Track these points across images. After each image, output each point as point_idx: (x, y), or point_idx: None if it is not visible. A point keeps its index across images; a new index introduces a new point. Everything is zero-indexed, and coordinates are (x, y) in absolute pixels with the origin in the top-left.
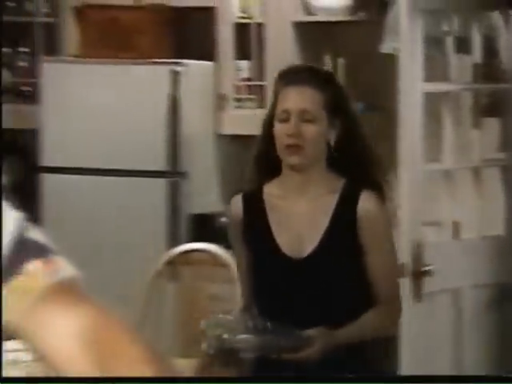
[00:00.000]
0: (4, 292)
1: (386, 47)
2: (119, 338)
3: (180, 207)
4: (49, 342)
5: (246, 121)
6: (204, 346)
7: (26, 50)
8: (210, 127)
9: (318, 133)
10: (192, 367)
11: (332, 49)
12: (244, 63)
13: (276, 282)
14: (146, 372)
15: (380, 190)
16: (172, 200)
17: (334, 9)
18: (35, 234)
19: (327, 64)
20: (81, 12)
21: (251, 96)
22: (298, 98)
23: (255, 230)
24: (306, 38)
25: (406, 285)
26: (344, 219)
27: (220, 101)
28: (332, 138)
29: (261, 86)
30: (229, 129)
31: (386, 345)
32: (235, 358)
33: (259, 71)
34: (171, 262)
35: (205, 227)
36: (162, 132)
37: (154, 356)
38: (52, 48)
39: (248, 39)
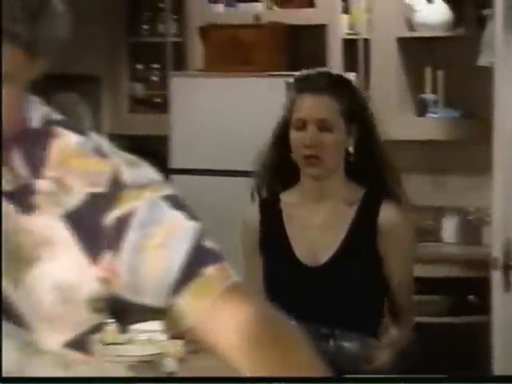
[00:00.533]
0: (184, 294)
1: (482, 61)
2: (274, 330)
3: None
4: (220, 336)
5: None
6: None
7: (158, 66)
8: None
9: (336, 142)
10: None
11: (432, 62)
12: (351, 75)
13: (292, 290)
14: (296, 360)
15: (401, 200)
16: None
17: (434, 25)
18: (210, 243)
19: (427, 76)
20: (205, 31)
21: None
22: (316, 107)
23: (272, 238)
24: (409, 51)
25: (497, 276)
26: (363, 229)
27: None
28: (350, 145)
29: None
30: None
31: (479, 331)
32: None
33: (365, 82)
34: None
35: None
36: None
37: (303, 345)
38: (180, 64)
39: (355, 53)
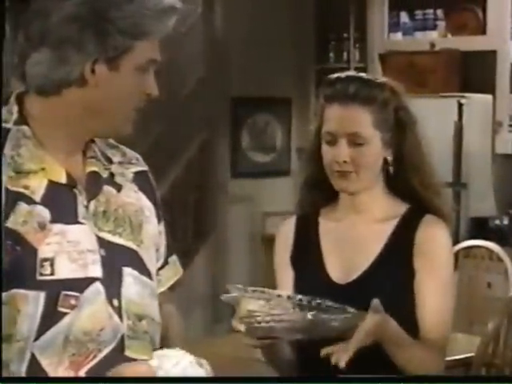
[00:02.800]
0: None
1: None
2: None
3: (461, 211)
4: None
5: None
6: (237, 323)
7: None
8: (488, 148)
9: (370, 156)
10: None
11: None
12: None
13: None
14: None
15: (444, 216)
16: (455, 205)
17: None
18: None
19: None
20: (385, 57)
21: None
22: (345, 119)
23: (305, 253)
24: None
25: None
26: (400, 245)
27: (496, 126)
28: (389, 155)
29: None
30: (503, 149)
31: None
32: (274, 338)
33: None
34: (454, 256)
35: (482, 228)
36: (448, 151)
37: None
38: None
39: None
